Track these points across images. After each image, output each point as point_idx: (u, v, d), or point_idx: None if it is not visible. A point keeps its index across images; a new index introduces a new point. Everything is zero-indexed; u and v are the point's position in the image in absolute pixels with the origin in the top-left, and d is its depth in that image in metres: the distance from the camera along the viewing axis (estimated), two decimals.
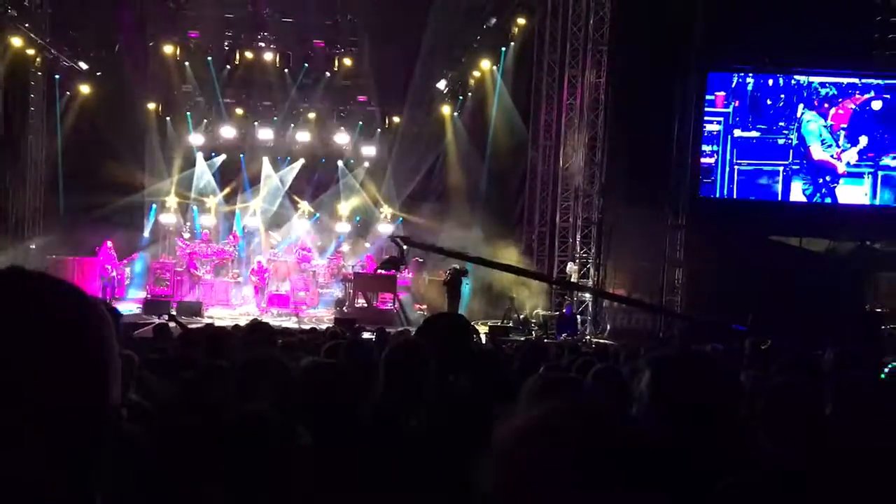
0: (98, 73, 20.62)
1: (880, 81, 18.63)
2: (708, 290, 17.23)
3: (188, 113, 22.03)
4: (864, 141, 18.85)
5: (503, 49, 21.30)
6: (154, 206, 21.76)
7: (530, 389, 2.62)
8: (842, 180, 18.80)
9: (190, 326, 9.08)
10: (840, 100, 18.82)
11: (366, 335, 9.11)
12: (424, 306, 19.00)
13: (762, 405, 2.93)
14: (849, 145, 18.83)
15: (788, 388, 3.07)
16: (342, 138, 22.72)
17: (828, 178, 18.89)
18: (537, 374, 2.89)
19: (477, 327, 10.24)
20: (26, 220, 20.05)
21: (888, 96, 18.58)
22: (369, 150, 22.91)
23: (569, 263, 19.34)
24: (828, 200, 18.75)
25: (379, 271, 17.24)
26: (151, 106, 21.74)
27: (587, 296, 18.85)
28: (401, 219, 21.82)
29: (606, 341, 16.33)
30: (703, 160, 19.37)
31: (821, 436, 2.80)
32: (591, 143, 18.93)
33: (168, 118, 22.00)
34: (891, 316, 17.09)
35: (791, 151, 18.77)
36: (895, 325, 16.49)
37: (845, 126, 18.88)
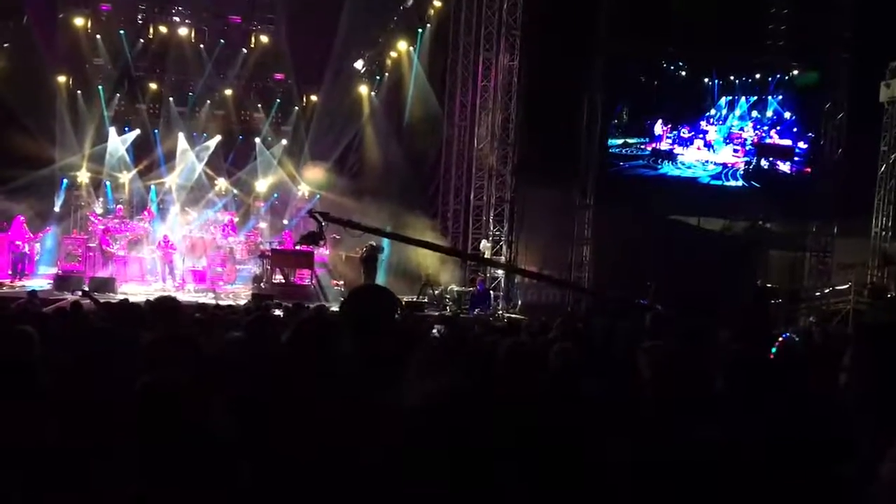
0: (5, 45, 19.62)
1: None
2: (613, 267, 17.70)
3: (100, 87, 21.18)
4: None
5: (420, 30, 21.24)
6: (65, 180, 20.90)
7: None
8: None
9: (102, 302, 8.82)
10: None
11: (277, 312, 8.98)
12: (341, 282, 18.91)
13: (649, 374, 3.04)
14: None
15: (676, 356, 3.19)
16: (259, 115, 22.28)
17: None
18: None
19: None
20: None
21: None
22: (287, 128, 22.53)
23: (482, 240, 19.50)
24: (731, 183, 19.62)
25: (298, 246, 17.05)
26: (62, 79, 20.83)
27: (500, 272, 19.08)
28: (318, 195, 21.57)
29: (518, 316, 16.61)
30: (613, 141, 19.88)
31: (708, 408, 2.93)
32: (504, 123, 19.08)
33: (79, 92, 21.10)
34: (779, 291, 17.94)
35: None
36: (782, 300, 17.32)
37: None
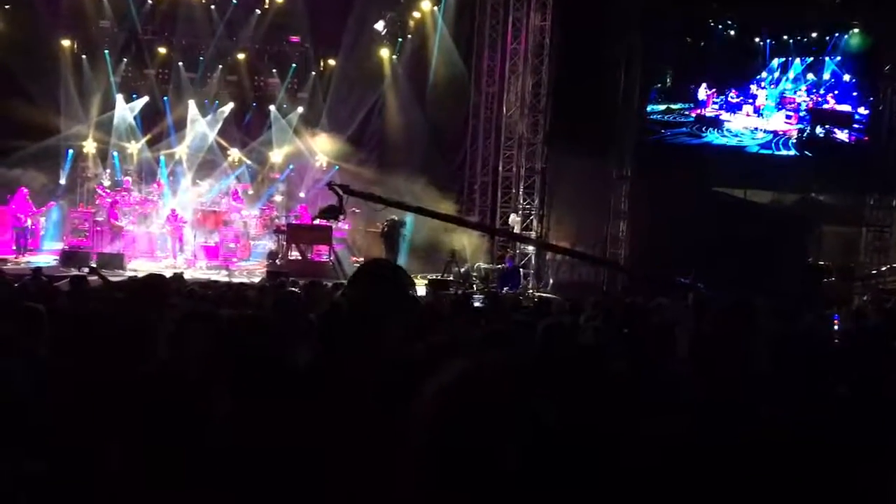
0: (6, 6, 19.78)
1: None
2: (652, 243, 17.59)
3: (106, 51, 21.32)
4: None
5: None
6: (71, 151, 21.12)
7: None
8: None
9: (112, 280, 8.94)
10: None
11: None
12: (361, 259, 18.98)
13: (687, 357, 3.03)
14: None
15: (716, 338, 3.17)
16: (274, 81, 22.32)
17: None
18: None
19: (415, 280, 10.28)
20: None
21: None
22: (303, 95, 22.55)
23: (511, 214, 19.47)
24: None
25: (316, 221, 17.10)
26: (66, 43, 20.99)
27: (530, 248, 19.05)
28: (337, 167, 21.61)
29: (549, 295, 16.58)
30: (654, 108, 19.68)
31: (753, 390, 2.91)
32: (535, 89, 18.97)
33: (84, 56, 21.24)
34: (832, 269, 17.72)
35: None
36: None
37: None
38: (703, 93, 19.92)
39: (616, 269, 18.40)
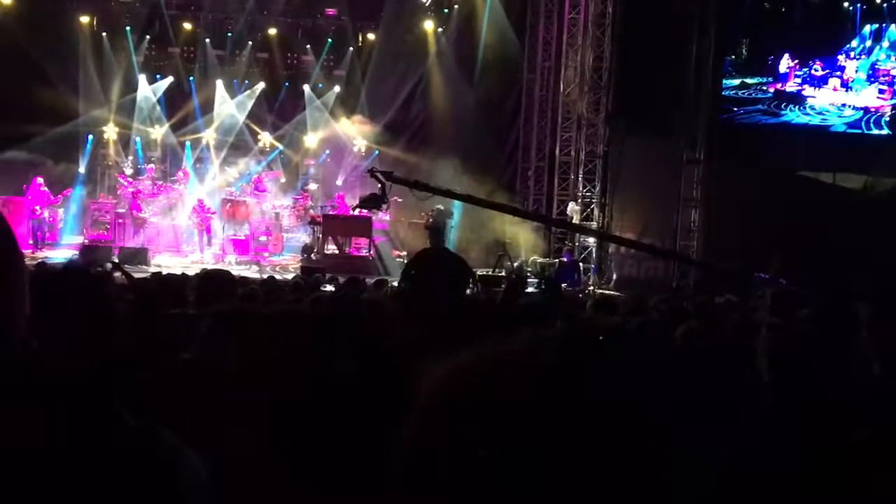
0: None
1: None
2: (727, 234, 17.33)
3: (127, 28, 21.63)
4: None
5: None
6: (90, 137, 21.49)
7: None
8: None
9: (136, 276, 9.04)
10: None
11: (328, 287, 9.07)
12: (404, 252, 19.02)
13: (767, 364, 2.92)
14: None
15: (804, 341, 3.06)
16: (308, 58, 22.44)
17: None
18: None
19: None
20: None
21: None
22: (340, 73, 22.64)
23: (570, 203, 19.34)
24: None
25: (356, 211, 17.16)
26: (85, 19, 21.32)
27: (590, 240, 18.90)
28: (377, 152, 21.68)
29: (612, 292, 16.43)
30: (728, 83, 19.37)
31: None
32: (596, 63, 18.77)
33: (104, 34, 21.57)
34: None
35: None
36: None
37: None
38: (784, 65, 19.52)
39: (687, 263, 18.15)
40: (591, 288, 17.72)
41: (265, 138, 22.37)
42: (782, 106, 19.47)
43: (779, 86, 19.46)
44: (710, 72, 18.65)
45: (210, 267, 13.92)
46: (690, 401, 3.03)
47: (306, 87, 22.42)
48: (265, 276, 13.13)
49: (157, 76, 22.17)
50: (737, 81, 19.46)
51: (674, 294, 14.11)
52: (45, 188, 18.55)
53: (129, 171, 21.00)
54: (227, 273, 6.00)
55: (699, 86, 18.73)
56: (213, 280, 5.32)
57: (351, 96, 22.33)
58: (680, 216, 18.98)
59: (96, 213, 19.52)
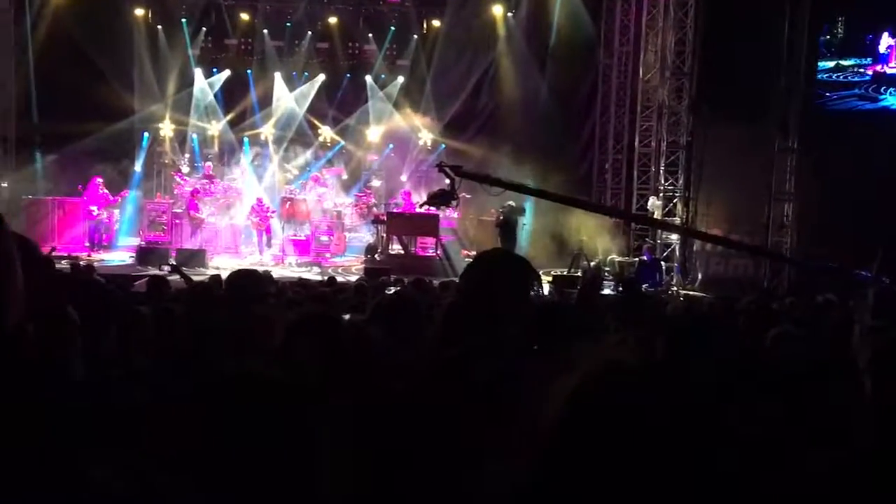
0: None
1: None
2: (825, 229, 17.00)
3: (183, 20, 22.07)
4: None
5: None
6: (146, 134, 21.95)
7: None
8: None
9: (194, 279, 9.24)
10: None
11: (393, 290, 9.14)
12: (473, 252, 19.02)
13: (868, 368, 2.83)
14: None
15: None
16: (370, 48, 22.61)
17: None
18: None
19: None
20: None
21: None
22: (403, 62, 22.76)
23: (650, 197, 19.15)
24: None
25: (424, 208, 17.21)
26: (140, 12, 21.82)
27: (673, 237, 18.70)
28: (443, 145, 21.75)
29: (697, 293, 16.25)
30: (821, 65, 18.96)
31: None
32: (678, 47, 18.56)
33: (160, 27, 22.06)
34: None
35: None
36: None
37: None
38: (884, 44, 19.02)
39: (780, 261, 17.85)
40: (675, 289, 17.55)
41: (326, 132, 22.63)
42: (882, 90, 18.98)
43: (878, 67, 18.97)
44: (802, 53, 18.29)
45: (266, 269, 14.17)
46: (780, 415, 2.98)
47: (368, 78, 22.60)
48: (326, 278, 13.29)
49: (214, 70, 22.58)
50: (831, 63, 19.04)
51: (765, 295, 13.89)
52: (103, 188, 18.94)
53: (185, 170, 21.43)
54: (255, 273, 6.03)
55: (791, 69, 18.39)
56: (243, 281, 5.36)
57: (415, 87, 22.44)
58: (771, 210, 18.66)
59: (153, 213, 19.75)
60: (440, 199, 10.49)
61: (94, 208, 18.69)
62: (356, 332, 3.02)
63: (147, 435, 2.58)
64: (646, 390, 1.26)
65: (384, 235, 19.13)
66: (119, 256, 18.22)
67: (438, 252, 18.61)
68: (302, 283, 11.31)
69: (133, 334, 4.28)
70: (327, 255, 19.52)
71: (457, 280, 11.71)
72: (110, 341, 3.96)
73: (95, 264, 14.42)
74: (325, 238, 19.83)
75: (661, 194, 18.90)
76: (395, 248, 19.03)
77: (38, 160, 20.41)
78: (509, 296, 2.56)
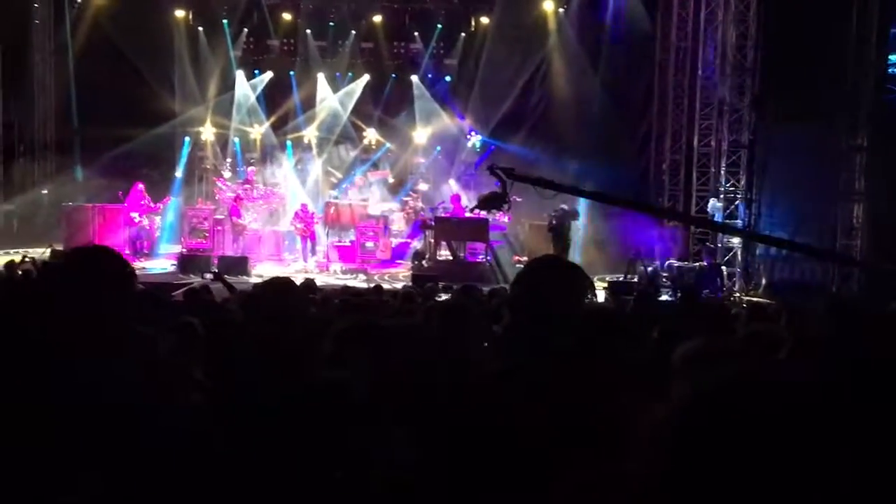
0: None
1: None
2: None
3: (225, 21, 22.33)
4: None
5: None
6: (187, 138, 22.22)
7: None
8: None
9: (237, 287, 9.34)
10: None
11: (443, 297, 9.17)
12: (525, 258, 19.00)
13: None
14: None
15: None
16: (417, 46, 22.68)
17: None
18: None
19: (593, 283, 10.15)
20: (36, 160, 20.81)
21: None
22: (451, 61, 22.80)
23: (711, 200, 18.97)
24: None
25: (474, 212, 17.19)
26: (180, 13, 22.14)
27: (735, 240, 18.50)
28: (493, 146, 21.75)
29: (761, 299, 16.04)
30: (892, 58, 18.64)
31: None
32: (739, 42, 18.37)
33: (200, 28, 22.35)
34: None
35: None
36: None
37: None
38: None
39: (850, 265, 17.57)
40: (737, 295, 17.34)
41: (371, 135, 22.73)
42: None
43: None
44: (872, 46, 17.99)
45: (309, 276, 14.25)
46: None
47: (415, 78, 22.68)
48: (373, 286, 13.36)
49: (256, 71, 22.82)
50: None
51: (834, 301, 13.67)
52: (144, 195, 19.20)
53: (227, 175, 21.62)
54: (288, 281, 6.06)
55: (860, 62, 18.10)
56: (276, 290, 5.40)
57: (464, 86, 22.46)
58: (840, 211, 18.37)
59: (194, 220, 19.93)
60: (492, 202, 10.44)
61: (136, 215, 18.98)
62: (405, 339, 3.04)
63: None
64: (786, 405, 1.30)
65: (432, 241, 19.16)
66: (160, 264, 18.45)
67: (488, 258, 18.60)
68: (347, 290, 11.39)
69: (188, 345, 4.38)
70: (373, 261, 19.57)
71: (507, 287, 11.73)
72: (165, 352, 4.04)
73: (136, 273, 14.57)
74: (370, 244, 19.89)
75: (722, 196, 18.70)
76: (444, 254, 19.04)
77: (79, 166, 20.77)
78: (562, 303, 2.56)
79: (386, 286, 13.89)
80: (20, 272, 11.57)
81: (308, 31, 22.66)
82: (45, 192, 20.90)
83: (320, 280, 14.99)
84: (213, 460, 2.44)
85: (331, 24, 22.68)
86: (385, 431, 2.45)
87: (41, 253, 15.82)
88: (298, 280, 9.77)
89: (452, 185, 22.16)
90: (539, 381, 2.34)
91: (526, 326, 2.64)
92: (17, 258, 12.75)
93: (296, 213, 19.61)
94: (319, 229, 19.86)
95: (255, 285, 5.70)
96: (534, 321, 2.58)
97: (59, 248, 16.99)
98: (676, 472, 1.26)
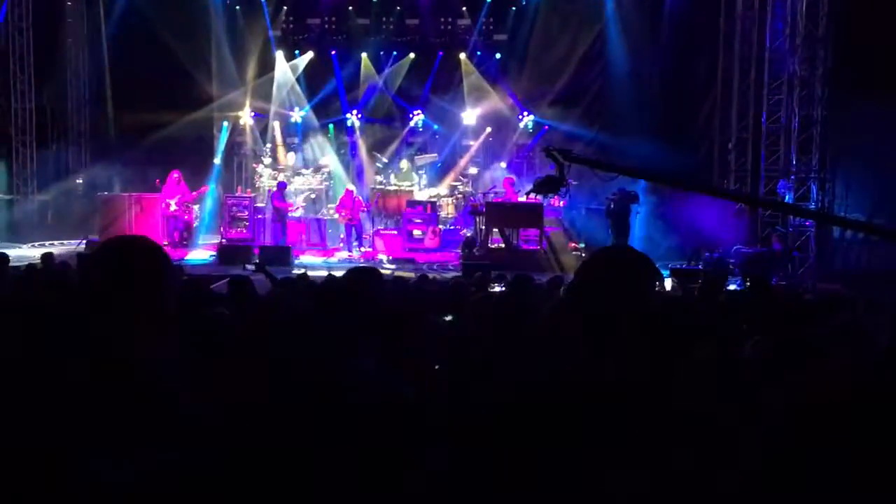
0: None
1: None
2: None
3: None
4: None
5: None
6: (225, 123, 22.39)
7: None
8: None
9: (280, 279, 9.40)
10: None
11: (496, 288, 9.14)
12: (581, 245, 18.94)
13: None
14: None
15: None
16: (465, 22, 22.65)
17: None
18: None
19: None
20: (70, 148, 21.11)
21: None
22: (501, 37, 22.74)
23: (781, 180, 18.76)
24: None
25: (529, 196, 17.14)
26: None
27: (808, 224, 18.29)
28: (546, 127, 21.67)
29: (837, 287, 15.85)
30: None
31: None
32: (810, 10, 18.12)
33: (238, 7, 22.50)
34: None
35: None
36: None
37: None
38: None
39: None
40: (810, 283, 17.15)
41: (417, 116, 22.71)
42: None
43: None
44: None
45: (360, 265, 14.31)
46: None
47: (463, 56, 22.65)
48: (419, 275, 13.38)
49: (296, 52, 22.89)
50: None
51: None
52: (181, 183, 19.35)
53: (267, 161, 21.76)
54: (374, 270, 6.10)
55: None
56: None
57: (515, 63, 22.39)
58: None
59: (234, 208, 19.97)
60: (548, 186, 10.36)
61: (173, 203, 19.14)
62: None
63: None
64: None
65: (483, 228, 19.11)
66: (200, 255, 18.61)
67: (543, 245, 18.53)
68: (394, 280, 11.42)
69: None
70: (420, 250, 19.58)
71: (562, 274, 11.68)
72: None
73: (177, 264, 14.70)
74: (418, 232, 19.91)
75: (793, 176, 18.47)
76: (495, 241, 19.00)
77: (114, 153, 21.02)
78: (628, 296, 2.54)
79: (434, 276, 13.90)
80: (58, 262, 11.80)
81: (350, 8, 22.71)
82: (80, 181, 21.20)
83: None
84: None
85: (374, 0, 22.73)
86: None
87: (76, 245, 16.07)
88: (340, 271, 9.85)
89: (504, 169, 22.11)
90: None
91: (587, 320, 2.64)
92: (56, 250, 12.97)
93: (341, 201, 19.68)
94: (363, 216, 19.88)
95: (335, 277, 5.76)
96: (596, 315, 2.58)
97: (95, 238, 17.27)
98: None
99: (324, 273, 12.41)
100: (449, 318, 5.24)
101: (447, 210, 21.24)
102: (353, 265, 14.86)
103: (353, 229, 19.50)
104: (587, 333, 2.52)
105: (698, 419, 2.18)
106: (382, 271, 16.15)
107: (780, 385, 1.45)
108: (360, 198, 19.94)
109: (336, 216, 19.83)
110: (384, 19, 22.81)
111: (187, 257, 17.99)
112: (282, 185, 19.86)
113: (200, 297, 7.21)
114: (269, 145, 22.49)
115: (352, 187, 20.26)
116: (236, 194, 21.05)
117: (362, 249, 19.46)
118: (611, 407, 2.18)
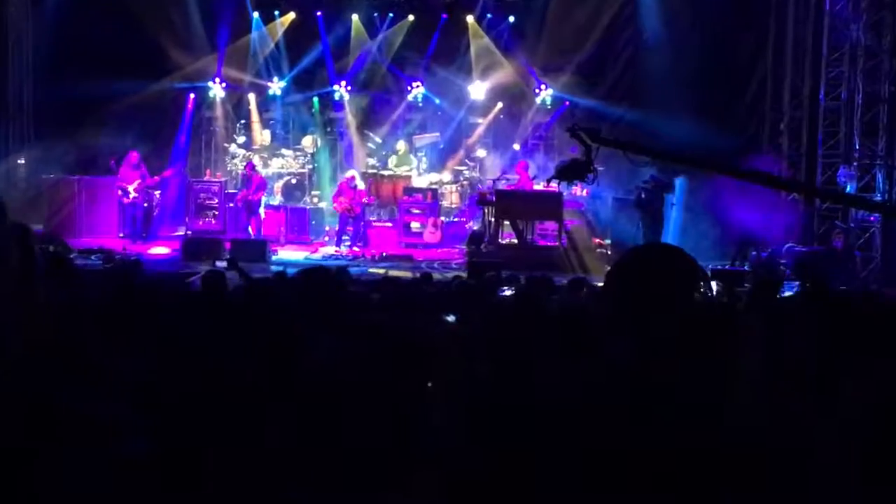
0: None
1: None
2: None
3: None
4: None
5: None
6: (192, 96, 22.30)
7: None
8: None
9: (255, 276, 9.33)
10: None
11: (507, 291, 9.04)
12: (607, 241, 18.89)
13: None
14: None
15: None
16: None
17: None
18: None
19: None
20: (11, 124, 21.02)
21: None
22: None
23: (841, 167, 18.72)
24: None
25: (549, 184, 16.99)
26: None
27: (872, 218, 18.25)
28: (566, 103, 21.64)
29: None
30: None
31: None
32: None
33: None
34: None
35: None
36: None
37: None
38: None
39: None
40: (875, 286, 17.11)
41: (417, 89, 22.64)
42: None
43: None
44: None
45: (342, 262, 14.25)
46: None
47: (470, 19, 22.57)
48: (418, 274, 13.31)
49: (276, 13, 22.76)
50: None
51: None
52: (141, 165, 19.20)
53: (241, 140, 21.70)
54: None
55: None
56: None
57: (531, 29, 22.33)
58: None
59: (202, 195, 19.88)
60: (573, 172, 10.22)
61: (132, 190, 19.04)
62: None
63: None
64: None
65: (492, 220, 19.02)
66: (160, 250, 18.45)
67: (562, 241, 18.46)
68: (389, 280, 11.37)
69: None
70: (420, 244, 19.52)
71: (584, 275, 11.63)
72: None
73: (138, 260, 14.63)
74: (416, 224, 19.84)
75: (856, 163, 18.44)
76: (507, 235, 18.94)
77: (62, 131, 20.92)
78: (669, 302, 2.49)
79: (437, 275, 13.84)
80: None
81: None
82: (22, 161, 21.09)
83: (355, 269, 14.84)
84: None
85: None
86: None
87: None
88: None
89: (518, 151, 22.06)
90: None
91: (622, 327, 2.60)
92: None
93: (339, 188, 19.52)
94: (352, 206, 19.69)
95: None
96: (632, 321, 2.53)
97: (39, 230, 17.17)
98: None
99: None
100: (451, 317, 5.16)
101: (451, 199, 21.20)
102: (341, 261, 14.85)
103: (350, 221, 19.16)
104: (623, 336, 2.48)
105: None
106: (372, 271, 16.18)
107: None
108: (358, 183, 19.61)
109: (320, 204, 19.74)
110: None
111: (147, 251, 17.88)
112: (252, 166, 19.70)
113: (158, 301, 7.15)
114: (242, 121, 22.39)
115: (353, 172, 20.07)
116: (204, 179, 20.93)
117: (355, 249, 19.10)
118: None
